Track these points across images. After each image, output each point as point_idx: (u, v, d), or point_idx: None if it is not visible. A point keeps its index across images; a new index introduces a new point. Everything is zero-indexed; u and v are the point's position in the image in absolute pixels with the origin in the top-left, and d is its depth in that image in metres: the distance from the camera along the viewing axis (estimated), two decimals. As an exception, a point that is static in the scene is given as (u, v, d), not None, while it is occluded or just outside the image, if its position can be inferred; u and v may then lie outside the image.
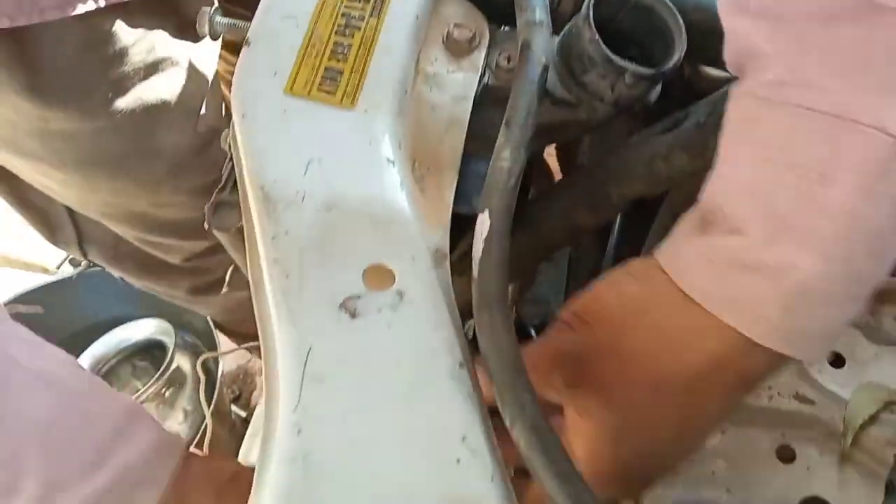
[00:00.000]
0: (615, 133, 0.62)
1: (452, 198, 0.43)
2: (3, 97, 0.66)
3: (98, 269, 1.32)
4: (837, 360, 0.61)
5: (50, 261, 1.83)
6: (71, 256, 1.29)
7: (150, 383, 1.21)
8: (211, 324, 1.21)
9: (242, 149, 0.39)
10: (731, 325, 0.33)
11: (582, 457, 0.37)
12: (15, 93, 0.65)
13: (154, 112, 0.76)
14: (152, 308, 1.39)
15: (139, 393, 1.23)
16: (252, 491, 0.32)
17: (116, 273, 1.02)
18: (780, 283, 0.31)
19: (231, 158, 0.51)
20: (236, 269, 1.06)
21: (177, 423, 1.29)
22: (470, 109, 0.45)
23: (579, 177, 0.52)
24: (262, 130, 0.40)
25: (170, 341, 1.27)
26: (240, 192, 0.41)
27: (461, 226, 0.46)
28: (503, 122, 0.42)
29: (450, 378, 0.33)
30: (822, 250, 0.31)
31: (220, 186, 0.50)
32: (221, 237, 0.49)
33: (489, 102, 0.49)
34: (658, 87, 0.49)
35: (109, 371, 1.34)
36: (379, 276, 0.35)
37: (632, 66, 0.44)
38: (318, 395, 0.33)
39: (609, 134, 0.64)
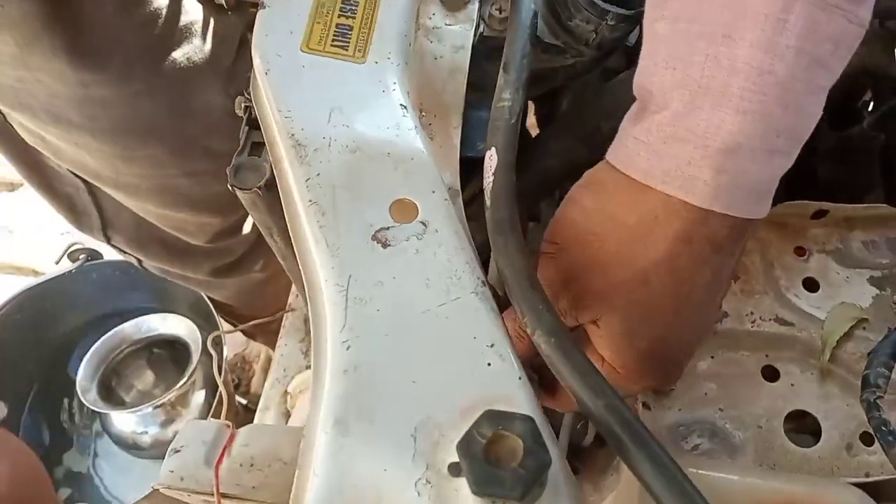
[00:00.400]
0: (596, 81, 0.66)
1: (459, 141, 0.47)
2: (46, 63, 0.69)
3: (97, 263, 1.34)
4: (812, 285, 0.66)
5: (39, 264, 1.84)
6: (70, 250, 1.30)
7: (181, 385, 1.24)
8: (212, 307, 1.24)
9: (269, 103, 0.42)
10: (676, 197, 0.36)
11: (610, 365, 0.41)
12: (57, 56, 0.68)
13: (187, 75, 0.79)
14: (152, 300, 1.40)
15: (169, 394, 1.25)
16: (311, 403, 0.36)
17: (138, 256, 1.04)
18: (707, 146, 0.35)
19: (247, 122, 0.54)
20: (251, 248, 1.09)
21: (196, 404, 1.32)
22: (469, 58, 0.48)
23: (571, 118, 0.56)
24: (286, 85, 0.43)
25: (190, 337, 1.29)
26: (267, 145, 0.44)
27: (467, 171, 0.49)
28: (501, 66, 0.46)
29: (475, 294, 0.37)
30: (736, 107, 0.34)
31: (238, 150, 0.53)
32: (243, 196, 0.52)
33: (484, 55, 0.52)
34: (637, 29, 0.53)
35: (124, 359, 1.36)
36: (404, 209, 0.39)
37: (613, 8, 0.48)
38: (361, 315, 0.36)
39: (590, 84, 0.68)
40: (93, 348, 1.28)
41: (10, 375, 1.31)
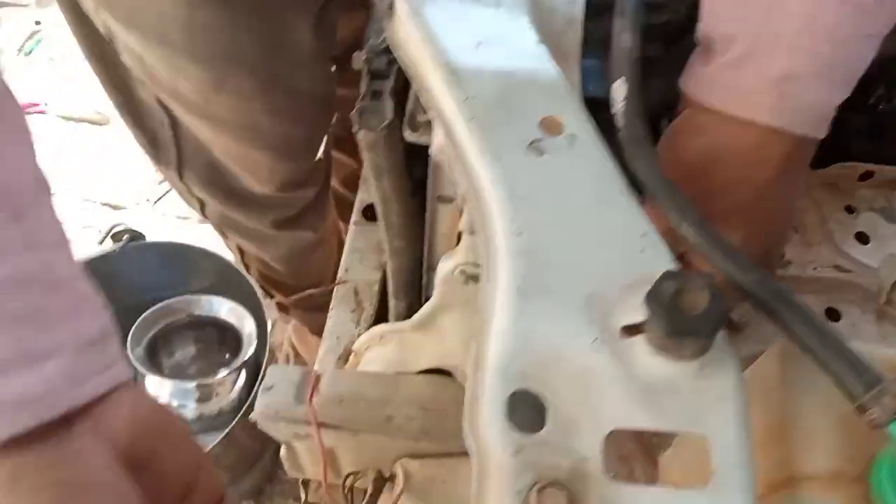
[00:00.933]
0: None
1: (578, 82, 0.52)
2: None
3: (140, 244, 1.37)
4: (863, 238, 0.72)
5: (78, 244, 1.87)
6: (113, 231, 1.33)
7: (233, 366, 1.28)
8: (254, 282, 1.28)
9: (421, 39, 0.48)
10: (747, 118, 0.45)
11: None
12: None
13: (283, 11, 0.85)
14: (196, 283, 1.44)
15: (220, 374, 1.29)
16: (485, 287, 0.41)
17: (203, 199, 1.08)
18: (768, 75, 0.43)
19: (368, 73, 0.59)
20: (311, 207, 1.15)
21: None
22: (583, 8, 0.54)
23: (672, 55, 0.61)
24: (435, 23, 0.48)
25: (241, 323, 1.33)
26: (416, 80, 0.50)
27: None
28: (616, 13, 0.51)
29: (623, 194, 0.42)
30: (789, 44, 0.42)
31: (360, 97, 0.58)
32: (366, 137, 0.57)
33: (590, 16, 0.58)
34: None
35: (171, 331, 1.39)
36: (552, 125, 0.44)
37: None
38: (528, 210, 0.42)
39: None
40: (143, 316, 1.31)
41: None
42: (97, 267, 1.36)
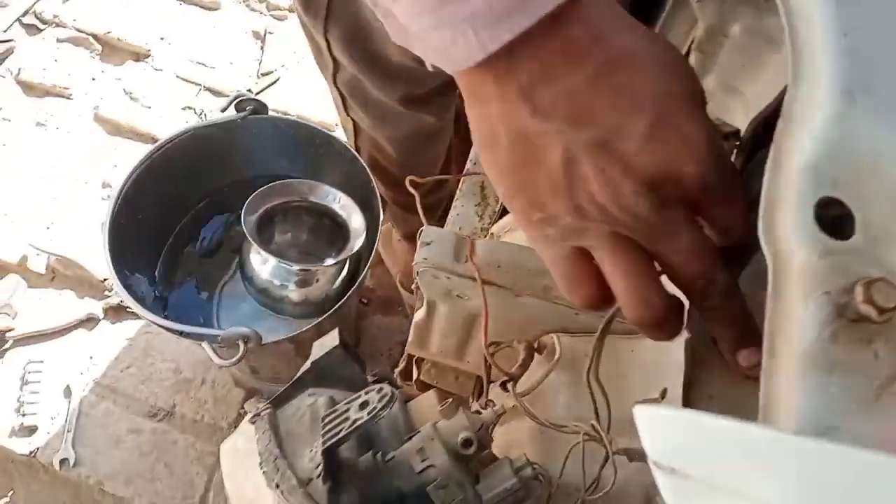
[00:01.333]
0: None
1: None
2: None
3: (264, 117, 1.36)
4: None
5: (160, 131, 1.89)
6: (238, 100, 1.32)
7: (338, 259, 1.28)
8: (368, 170, 1.26)
9: None
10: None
11: None
12: None
13: None
14: (308, 172, 1.43)
15: (324, 264, 1.28)
16: (795, 89, 0.38)
17: (341, 58, 1.06)
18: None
19: None
20: (440, 88, 1.12)
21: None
22: None
23: None
24: None
25: (349, 215, 1.33)
26: None
27: None
28: None
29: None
30: None
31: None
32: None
33: None
34: None
35: (285, 209, 1.39)
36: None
37: None
38: (854, 10, 0.38)
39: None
40: (261, 189, 1.31)
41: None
42: (215, 134, 1.35)
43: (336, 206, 1.35)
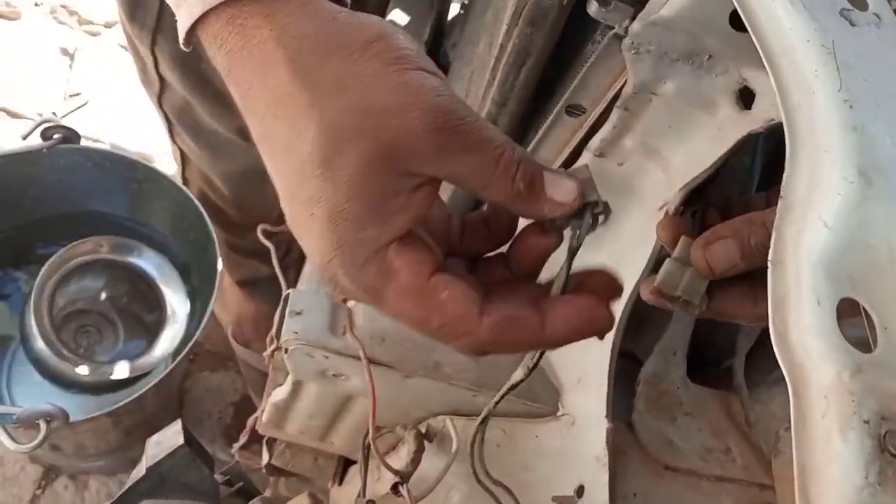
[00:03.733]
0: None
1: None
2: None
3: (73, 148, 1.15)
4: None
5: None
6: (43, 127, 1.11)
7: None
8: (203, 212, 1.11)
9: None
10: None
11: None
12: None
13: None
14: (126, 207, 1.24)
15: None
16: (795, 162, 0.32)
17: (169, 77, 0.91)
18: None
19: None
20: None
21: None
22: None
23: None
24: None
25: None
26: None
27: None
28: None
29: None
30: None
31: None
32: (535, 7, 0.47)
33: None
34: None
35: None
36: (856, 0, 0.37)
37: None
38: (853, 79, 0.33)
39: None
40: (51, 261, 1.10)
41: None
42: (16, 166, 1.12)
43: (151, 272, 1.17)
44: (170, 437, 0.58)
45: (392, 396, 0.64)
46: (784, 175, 0.34)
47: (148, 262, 1.27)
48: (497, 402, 0.47)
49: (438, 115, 0.33)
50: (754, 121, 0.47)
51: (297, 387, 0.67)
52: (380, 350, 0.61)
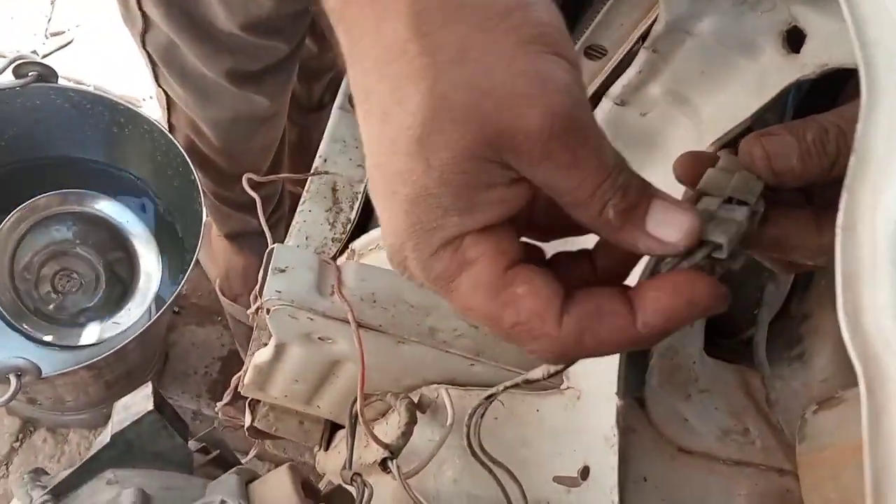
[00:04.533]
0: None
1: None
2: None
3: (49, 86, 1.08)
4: None
5: None
6: (16, 63, 1.03)
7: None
8: (191, 164, 1.05)
9: None
10: None
11: None
12: None
13: None
14: (104, 153, 1.17)
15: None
16: (873, 112, 0.26)
17: (153, 15, 0.84)
18: None
19: None
20: (273, 68, 0.93)
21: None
22: None
23: None
24: None
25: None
26: None
27: None
28: None
29: None
30: None
31: None
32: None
33: None
34: None
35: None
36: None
37: None
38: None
39: None
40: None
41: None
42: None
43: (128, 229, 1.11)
44: (138, 402, 0.54)
45: (382, 362, 0.59)
46: (858, 126, 0.28)
47: (120, 214, 1.20)
48: (508, 388, 0.42)
49: (558, 119, 0.28)
50: (803, 66, 0.42)
51: (280, 349, 0.62)
52: (370, 312, 0.56)
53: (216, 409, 0.95)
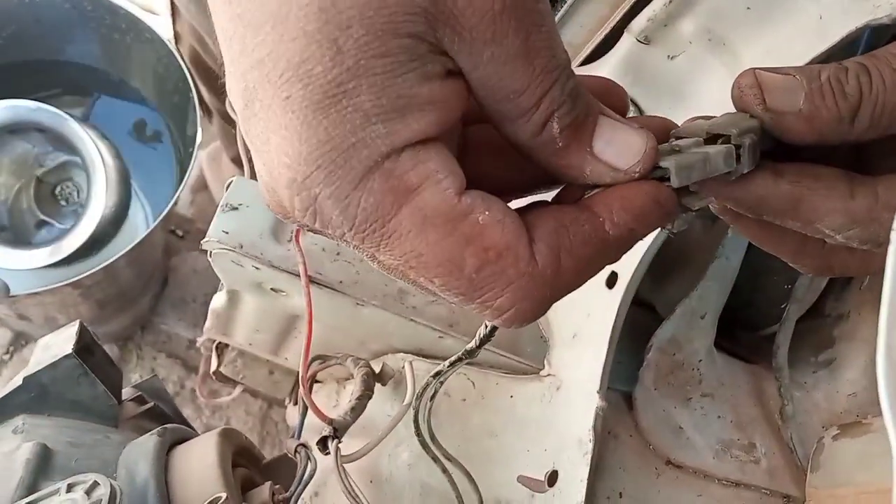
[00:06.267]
0: None
1: None
2: None
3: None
4: None
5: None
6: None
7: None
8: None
9: None
10: None
11: None
12: None
13: None
14: (98, 58, 1.09)
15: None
16: None
17: None
18: None
19: None
20: None
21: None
22: None
23: None
24: None
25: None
26: None
27: None
28: None
29: None
30: None
31: None
32: None
33: None
34: None
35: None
36: None
37: None
38: None
39: None
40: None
41: None
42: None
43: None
44: (60, 343, 0.48)
45: (343, 324, 0.52)
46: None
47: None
48: (454, 363, 0.34)
49: None
50: (876, 7, 0.32)
51: (233, 296, 0.55)
52: (330, 266, 0.49)
53: (198, 344, 0.90)
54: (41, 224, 1.13)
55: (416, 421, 0.40)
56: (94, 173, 1.03)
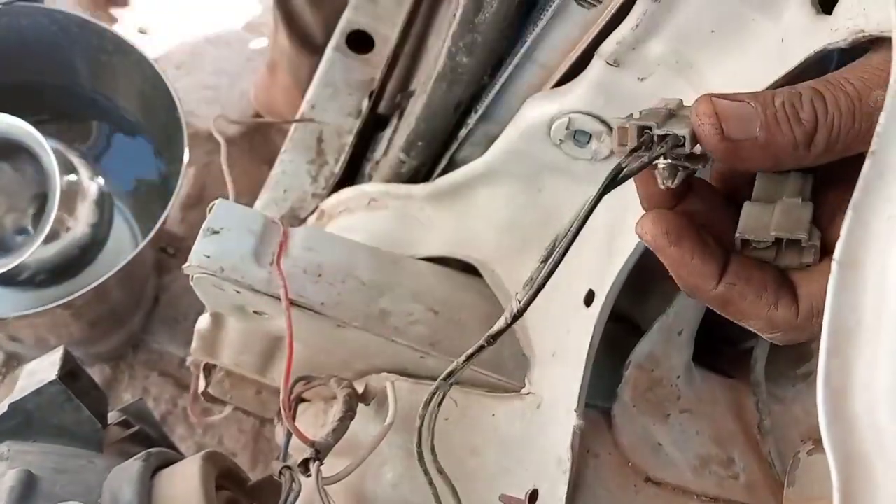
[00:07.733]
0: None
1: None
2: None
3: (32, 6, 1.02)
4: None
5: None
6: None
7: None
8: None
9: None
10: None
11: None
12: None
13: None
14: (89, 78, 1.10)
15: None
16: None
17: None
18: None
19: None
20: None
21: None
22: None
23: None
24: None
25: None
26: None
27: None
28: None
29: None
30: None
31: None
32: None
33: None
34: None
35: None
36: None
37: None
38: None
39: None
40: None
41: None
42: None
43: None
44: (44, 369, 0.48)
45: (326, 345, 0.52)
46: (881, 115, 0.20)
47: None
48: (448, 376, 0.35)
49: None
50: (834, 31, 0.33)
51: (217, 318, 0.55)
52: (312, 289, 0.49)
53: (188, 363, 0.90)
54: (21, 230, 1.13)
55: (419, 434, 0.41)
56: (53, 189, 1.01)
